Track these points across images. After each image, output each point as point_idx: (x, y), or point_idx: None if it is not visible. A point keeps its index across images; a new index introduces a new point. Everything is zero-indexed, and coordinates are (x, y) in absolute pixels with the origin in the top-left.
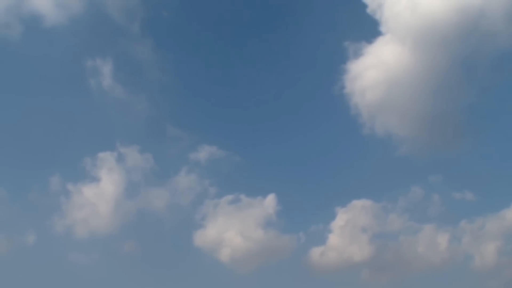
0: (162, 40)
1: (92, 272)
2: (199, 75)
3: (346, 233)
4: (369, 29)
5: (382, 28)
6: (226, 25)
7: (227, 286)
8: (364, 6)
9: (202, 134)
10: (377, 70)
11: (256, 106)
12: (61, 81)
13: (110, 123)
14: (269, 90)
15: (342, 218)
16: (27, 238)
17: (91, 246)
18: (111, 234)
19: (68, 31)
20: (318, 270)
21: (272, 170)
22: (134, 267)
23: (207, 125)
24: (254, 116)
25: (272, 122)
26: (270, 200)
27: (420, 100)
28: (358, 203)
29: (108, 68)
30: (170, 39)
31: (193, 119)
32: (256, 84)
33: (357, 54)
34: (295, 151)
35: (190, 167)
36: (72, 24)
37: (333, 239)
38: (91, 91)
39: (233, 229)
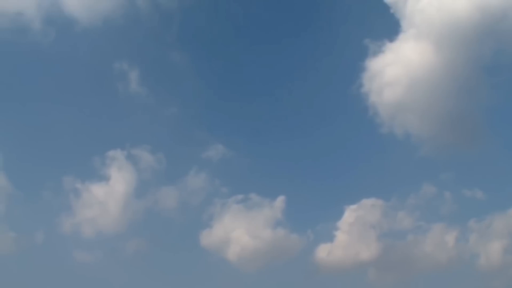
0: (188, 42)
1: (100, 271)
2: (212, 73)
3: (355, 232)
4: (390, 26)
5: (404, 26)
6: (249, 25)
7: (235, 285)
8: (387, 3)
9: (213, 133)
10: (397, 68)
11: (270, 104)
12: (84, 82)
13: (121, 122)
14: (285, 89)
15: (351, 217)
16: (37, 237)
17: (98, 245)
18: (119, 233)
19: (100, 33)
20: (325, 269)
21: (283, 169)
22: (142, 266)
23: (219, 124)
24: (268, 114)
25: (287, 120)
26: (279, 199)
27: (440, 99)
28: (367, 202)
29: (132, 70)
30: (199, 43)
31: (204, 118)
32: (271, 82)
33: (378, 52)
34: (308, 149)
35: (200, 167)
36: (105, 27)
37: (341, 237)
38: (109, 91)
39: (241, 228)
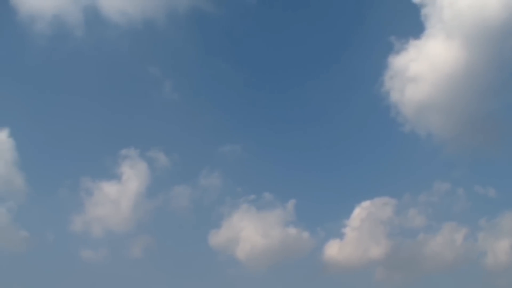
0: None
1: (109, 269)
2: (226, 76)
3: (365, 231)
4: (417, 24)
5: (431, 23)
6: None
7: (243, 284)
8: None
9: (226, 133)
10: (422, 66)
11: (287, 103)
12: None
13: (134, 122)
14: (304, 88)
15: (361, 215)
16: (48, 235)
17: (109, 244)
18: (129, 232)
19: (137, 37)
20: (334, 267)
21: (296, 168)
22: (151, 265)
23: (233, 124)
24: (283, 114)
25: (301, 116)
26: (291, 198)
27: (464, 99)
28: (379, 200)
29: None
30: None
31: (217, 117)
32: (289, 81)
33: (402, 49)
34: (322, 146)
35: (213, 166)
36: (143, 30)
37: (351, 236)
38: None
39: (252, 227)
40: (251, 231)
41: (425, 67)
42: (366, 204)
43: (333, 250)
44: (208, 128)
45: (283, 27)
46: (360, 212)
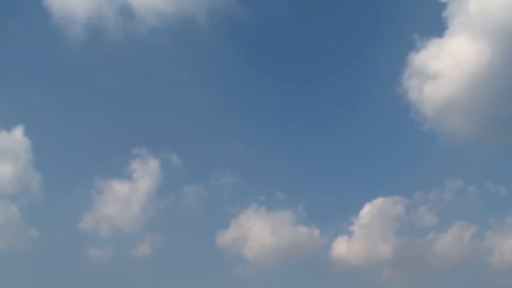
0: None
1: (117, 268)
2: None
3: (374, 229)
4: (439, 21)
5: (454, 21)
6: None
7: (251, 283)
8: None
9: (238, 134)
10: (444, 64)
11: (302, 100)
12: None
13: (146, 122)
14: (320, 84)
15: (371, 213)
16: (59, 234)
17: (118, 242)
18: (137, 230)
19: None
20: (343, 265)
21: (306, 167)
22: (160, 263)
23: (245, 124)
24: (297, 110)
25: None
26: (301, 197)
27: (486, 99)
28: (389, 199)
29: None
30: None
31: (229, 117)
32: (305, 78)
33: (424, 47)
34: (335, 143)
35: (224, 166)
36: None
37: (360, 234)
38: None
39: (261, 226)
40: (260, 229)
41: (447, 65)
42: (375, 202)
43: (342, 248)
44: (221, 128)
45: (303, 23)
46: (369, 210)
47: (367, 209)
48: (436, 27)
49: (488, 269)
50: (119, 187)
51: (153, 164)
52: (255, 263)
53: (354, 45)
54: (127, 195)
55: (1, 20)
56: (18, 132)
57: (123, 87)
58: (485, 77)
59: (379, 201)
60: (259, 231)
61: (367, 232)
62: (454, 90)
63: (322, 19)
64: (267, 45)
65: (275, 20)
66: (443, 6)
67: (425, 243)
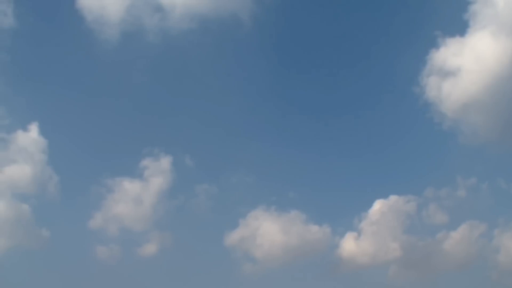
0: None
1: (125, 266)
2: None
3: (383, 227)
4: (462, 18)
5: (477, 18)
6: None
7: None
8: None
9: (250, 134)
10: (465, 62)
11: (317, 93)
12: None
13: (163, 122)
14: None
15: (381, 210)
16: (69, 234)
17: (128, 241)
18: (147, 230)
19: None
20: (351, 263)
21: (318, 166)
22: (168, 262)
23: (257, 124)
24: (311, 105)
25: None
26: (311, 196)
27: (508, 98)
28: (399, 197)
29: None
30: None
31: (243, 116)
32: (324, 75)
33: (446, 44)
34: (347, 139)
35: (236, 166)
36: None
37: (369, 232)
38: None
39: (271, 225)
40: (270, 228)
41: (468, 63)
42: (386, 199)
43: (350, 246)
44: (234, 127)
45: (325, 20)
46: (379, 207)
47: (377, 207)
48: (459, 23)
49: (495, 268)
50: (131, 186)
51: (165, 163)
52: (263, 263)
53: (375, 41)
54: (139, 194)
55: (30, 20)
56: (33, 131)
57: (145, 88)
58: (507, 76)
59: (389, 198)
60: (269, 230)
61: (376, 230)
62: (474, 88)
63: (347, 17)
64: (284, 43)
65: (295, 17)
66: (468, 3)
67: (434, 242)
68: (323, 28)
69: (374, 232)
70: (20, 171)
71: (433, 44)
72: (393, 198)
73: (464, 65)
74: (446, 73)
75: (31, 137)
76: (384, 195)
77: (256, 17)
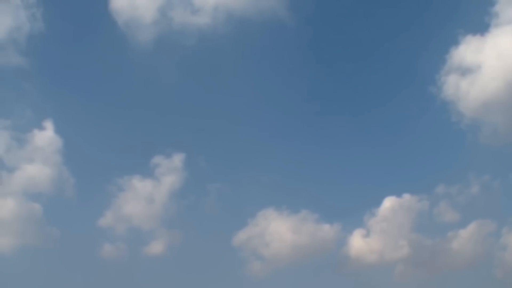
0: None
1: (134, 265)
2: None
3: (392, 225)
4: (484, 16)
5: (500, 16)
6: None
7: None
8: None
9: (266, 133)
10: (486, 61)
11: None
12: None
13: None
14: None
15: (391, 208)
16: (78, 233)
17: (136, 240)
18: (157, 229)
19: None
20: (359, 263)
21: (329, 165)
22: (177, 261)
23: (269, 124)
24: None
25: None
26: (322, 196)
27: None
28: (409, 195)
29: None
30: None
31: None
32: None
33: (467, 43)
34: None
35: (248, 166)
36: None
37: (378, 230)
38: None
39: (280, 225)
40: (280, 228)
41: (488, 61)
42: (396, 197)
43: (358, 245)
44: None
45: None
46: (390, 205)
47: (387, 204)
48: (481, 21)
49: (501, 266)
50: (143, 184)
51: (178, 162)
52: (272, 262)
53: (395, 38)
54: (150, 193)
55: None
56: (48, 130)
57: (173, 88)
58: None
59: (400, 196)
60: (278, 230)
61: (385, 228)
62: (494, 86)
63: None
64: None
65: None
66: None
67: (443, 240)
68: (350, 27)
69: (383, 230)
70: (34, 170)
71: (454, 42)
72: (403, 195)
73: (484, 63)
74: (466, 71)
75: (46, 136)
76: (394, 193)
77: (291, 16)
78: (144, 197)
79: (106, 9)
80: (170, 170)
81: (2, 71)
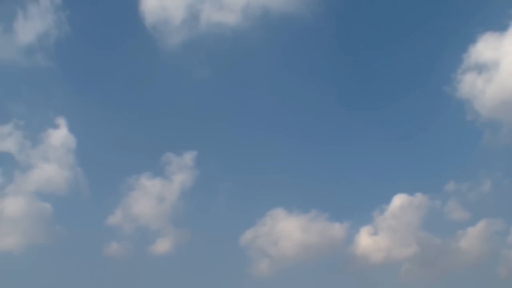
0: None
1: (141, 264)
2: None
3: (401, 223)
4: (504, 15)
5: None
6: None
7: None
8: None
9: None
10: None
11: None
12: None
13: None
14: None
15: (400, 207)
16: (87, 232)
17: (144, 238)
18: (165, 228)
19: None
20: (366, 261)
21: (340, 164)
22: (186, 260)
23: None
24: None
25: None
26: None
27: None
28: (418, 194)
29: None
30: None
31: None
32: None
33: (485, 41)
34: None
35: (260, 165)
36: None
37: (386, 229)
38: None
39: (288, 224)
40: (289, 227)
41: (508, 59)
42: (405, 195)
43: (366, 242)
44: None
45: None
46: (399, 203)
47: (396, 202)
48: (501, 19)
49: (506, 265)
50: (153, 183)
51: (189, 161)
52: (279, 261)
53: (413, 36)
54: (160, 192)
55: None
56: (62, 129)
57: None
58: None
59: (409, 194)
60: (287, 229)
61: (393, 227)
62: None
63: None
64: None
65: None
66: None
67: (451, 239)
68: (367, 25)
69: (391, 228)
70: (44, 169)
71: (472, 40)
72: (414, 193)
73: (502, 61)
74: (483, 69)
75: (59, 135)
76: (405, 190)
77: (319, 14)
78: (154, 195)
79: (136, 11)
80: (181, 168)
81: (31, 74)
